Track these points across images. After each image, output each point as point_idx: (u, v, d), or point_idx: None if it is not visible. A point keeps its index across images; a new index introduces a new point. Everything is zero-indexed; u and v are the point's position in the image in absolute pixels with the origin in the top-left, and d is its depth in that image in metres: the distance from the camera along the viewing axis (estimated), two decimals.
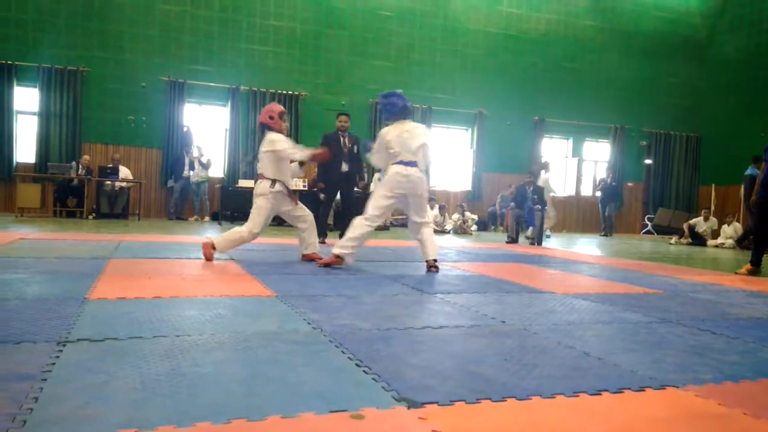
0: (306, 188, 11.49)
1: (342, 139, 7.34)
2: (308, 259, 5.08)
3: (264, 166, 4.90)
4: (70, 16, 11.44)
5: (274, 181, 4.86)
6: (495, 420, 1.52)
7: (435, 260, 4.68)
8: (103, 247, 5.46)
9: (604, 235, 13.17)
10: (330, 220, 10.44)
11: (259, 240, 6.94)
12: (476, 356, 2.12)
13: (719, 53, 15.76)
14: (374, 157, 4.88)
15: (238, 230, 4.83)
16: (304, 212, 5.13)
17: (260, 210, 4.84)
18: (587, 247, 9.42)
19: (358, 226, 4.62)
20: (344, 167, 7.28)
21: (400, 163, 4.58)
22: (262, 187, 4.86)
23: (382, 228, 11.58)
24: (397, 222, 13.03)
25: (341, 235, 7.43)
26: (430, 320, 2.77)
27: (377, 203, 4.65)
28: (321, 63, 13.09)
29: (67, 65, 11.40)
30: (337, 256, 4.58)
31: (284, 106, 12.59)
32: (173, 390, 1.61)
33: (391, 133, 4.66)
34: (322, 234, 7.34)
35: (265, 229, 5.02)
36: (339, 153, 7.17)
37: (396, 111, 4.71)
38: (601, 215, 13.62)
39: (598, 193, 13.86)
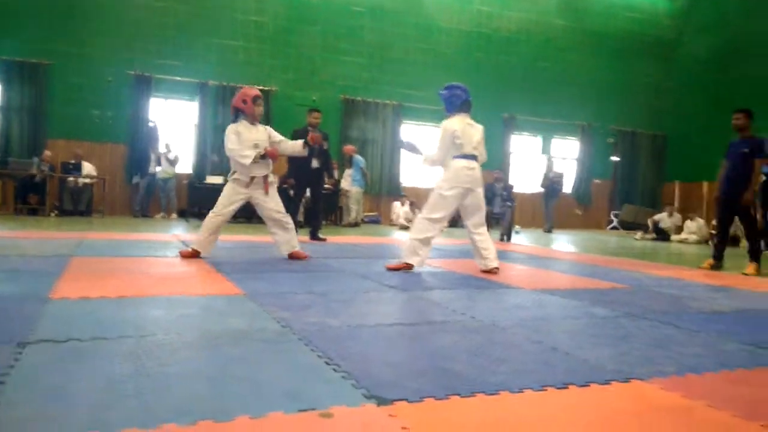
0: (276, 183, 11.40)
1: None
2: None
3: None
4: (33, 7, 11.10)
5: (234, 172, 4.84)
6: (464, 415, 1.53)
7: (498, 267, 4.61)
8: (65, 244, 5.32)
9: (548, 232, 12.72)
10: (300, 217, 10.38)
11: (228, 237, 6.87)
12: (446, 352, 2.13)
13: (686, 53, 16.11)
14: (436, 155, 4.59)
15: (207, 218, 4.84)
16: (279, 208, 4.94)
17: (222, 194, 4.85)
18: (556, 242, 9.55)
19: (424, 228, 4.49)
20: (314, 164, 7.23)
21: (465, 156, 4.50)
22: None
23: (353, 225, 11.57)
24: (367, 218, 13.02)
25: (311, 232, 7.46)
26: (401, 317, 2.77)
27: (443, 201, 4.47)
28: (292, 58, 12.97)
29: (30, 58, 11.07)
30: (407, 264, 4.47)
31: None
32: (138, 391, 1.57)
33: (457, 124, 4.52)
34: (314, 233, 7.32)
35: (231, 213, 4.84)
36: (309, 151, 7.07)
37: (459, 103, 4.59)
38: (544, 211, 13.15)
39: (542, 189, 13.27)
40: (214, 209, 4.81)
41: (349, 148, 11.58)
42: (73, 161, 10.75)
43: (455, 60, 14.23)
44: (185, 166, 12.32)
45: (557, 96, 15.34)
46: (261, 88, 12.47)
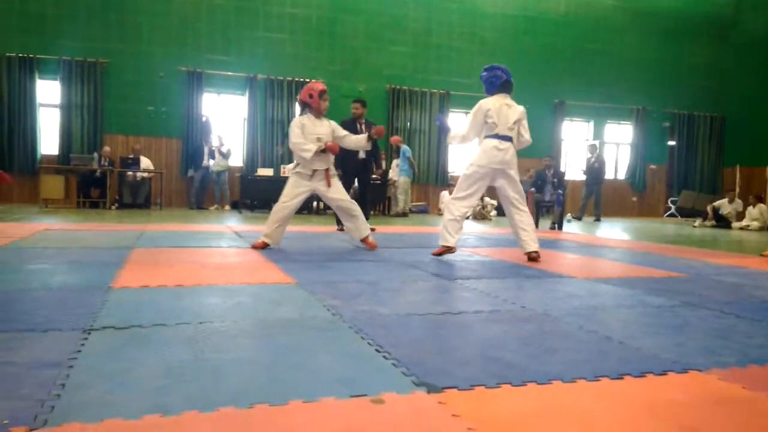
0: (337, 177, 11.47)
1: (358, 126, 7.32)
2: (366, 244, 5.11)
3: None
4: (89, 8, 11.54)
5: (297, 164, 4.98)
6: (515, 404, 1.52)
7: (536, 252, 4.51)
8: (126, 236, 5.54)
9: (597, 220, 12.11)
10: None
11: None
12: (496, 341, 2.12)
13: (744, 32, 15.36)
14: (465, 132, 4.57)
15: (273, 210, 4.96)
16: (342, 197, 5.02)
17: (286, 186, 4.97)
18: (609, 231, 9.32)
19: (454, 209, 4.49)
20: (361, 154, 7.27)
21: (496, 136, 4.43)
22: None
23: (401, 215, 11.58)
24: (415, 208, 13.01)
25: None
26: (450, 306, 2.77)
27: (467, 181, 4.48)
28: (337, 49, 13.04)
29: (87, 57, 11.51)
30: (447, 247, 4.49)
31: None
32: (196, 376, 1.63)
33: (492, 103, 4.46)
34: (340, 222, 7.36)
35: (296, 204, 4.94)
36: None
37: (499, 84, 4.53)
38: (584, 199, 12.51)
39: (584, 176, 12.65)
40: (279, 200, 4.94)
41: (395, 138, 11.56)
42: (131, 156, 11.16)
43: (501, 45, 13.99)
44: (237, 159, 12.60)
45: (608, 79, 14.89)
46: (308, 80, 12.61)
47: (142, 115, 12.03)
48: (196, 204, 11.77)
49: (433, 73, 13.63)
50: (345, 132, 5.12)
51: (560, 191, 9.39)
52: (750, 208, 11.64)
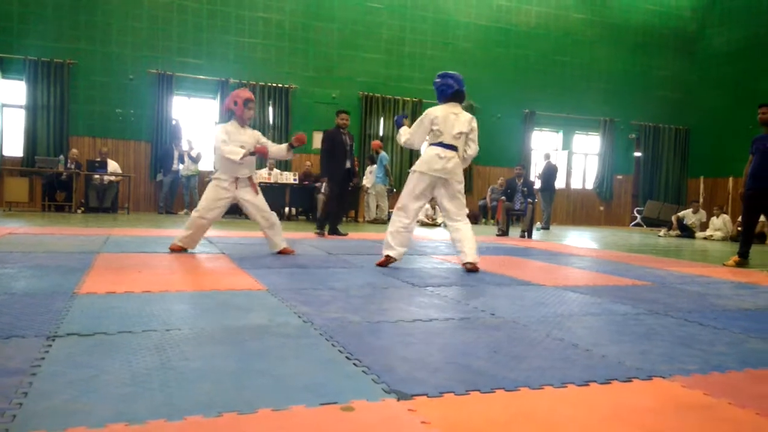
0: (296, 181, 11.47)
1: (343, 136, 7.50)
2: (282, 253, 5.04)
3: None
4: (57, 8, 11.31)
5: (215, 171, 4.94)
6: (484, 411, 1.53)
7: (474, 263, 4.38)
8: (92, 241, 5.42)
9: (545, 228, 11.92)
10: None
11: (248, 234, 6.94)
12: (466, 348, 2.14)
13: (709, 46, 15.85)
14: (407, 133, 4.54)
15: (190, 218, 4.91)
16: (264, 207, 4.95)
17: (204, 195, 4.89)
18: (577, 239, 9.47)
19: (393, 219, 4.51)
20: (347, 164, 7.50)
21: (440, 144, 4.39)
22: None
23: (376, 221, 11.58)
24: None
25: (332, 227, 7.52)
26: (420, 313, 2.78)
27: (408, 185, 4.45)
28: (310, 56, 13.03)
29: (54, 57, 11.28)
30: (388, 256, 4.46)
31: (274, 99, 12.60)
32: (163, 384, 1.60)
33: (440, 111, 4.44)
34: (334, 228, 7.47)
35: (216, 216, 4.87)
36: (341, 150, 7.46)
37: (450, 93, 4.49)
38: (545, 208, 12.22)
39: (537, 184, 12.18)
40: (198, 210, 4.83)
41: (376, 143, 11.66)
42: (98, 159, 10.94)
43: (473, 55, 14.17)
44: (207, 163, 12.46)
45: (578, 91, 15.20)
46: (280, 85, 12.59)
47: (110, 118, 11.82)
48: (165, 208, 11.60)
49: (406, 81, 13.72)
50: (268, 141, 5.10)
51: (530, 200, 9.52)
52: (713, 219, 11.97)
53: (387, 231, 4.54)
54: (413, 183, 4.44)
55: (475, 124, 4.55)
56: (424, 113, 4.53)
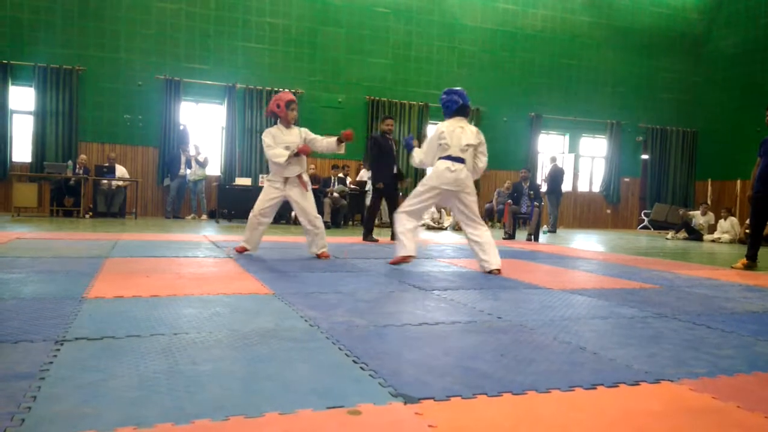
0: (348, 189, 11.42)
1: (389, 141, 7.62)
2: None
3: None
4: (66, 15, 11.41)
5: (269, 173, 5.12)
6: (491, 415, 1.53)
7: (498, 269, 4.47)
8: (100, 245, 5.46)
9: (552, 232, 11.97)
10: (326, 218, 10.46)
11: None
12: (472, 352, 2.13)
13: (715, 48, 15.79)
14: (420, 153, 4.72)
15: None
16: (311, 211, 5.08)
17: (259, 196, 5.14)
18: (584, 242, 9.44)
19: (403, 222, 4.59)
20: (394, 169, 7.67)
21: (449, 158, 4.52)
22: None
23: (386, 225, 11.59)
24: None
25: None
26: (427, 317, 2.78)
27: (417, 197, 4.59)
28: (317, 60, 13.07)
29: (63, 64, 11.37)
30: (404, 256, 4.57)
31: None
32: (171, 388, 1.61)
33: (446, 126, 4.60)
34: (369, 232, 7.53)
35: (270, 213, 5.11)
36: (389, 155, 7.64)
37: (455, 108, 4.65)
38: (552, 211, 12.27)
39: (544, 187, 12.32)
40: (254, 209, 5.08)
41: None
42: (106, 164, 11.01)
43: (479, 59, 14.18)
44: (214, 168, 12.52)
45: (584, 94, 15.17)
46: (287, 90, 12.62)
47: (118, 124, 11.90)
48: (173, 213, 11.65)
49: (413, 85, 13.74)
50: (315, 135, 5.18)
51: (536, 203, 9.50)
52: (721, 221, 11.90)
53: (397, 233, 4.63)
54: (425, 195, 4.58)
55: (482, 137, 4.70)
56: (432, 131, 4.70)
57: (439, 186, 4.52)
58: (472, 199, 4.60)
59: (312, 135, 5.14)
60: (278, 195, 5.03)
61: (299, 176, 5.01)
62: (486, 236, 4.58)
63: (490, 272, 4.48)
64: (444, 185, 4.50)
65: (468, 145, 4.55)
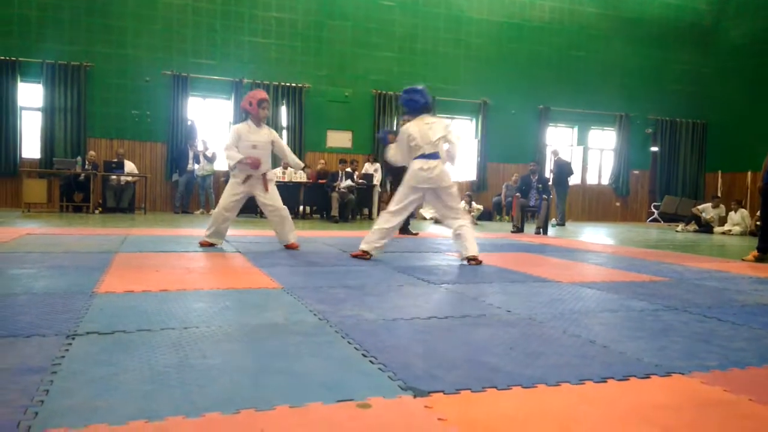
0: (308, 180, 11.46)
1: None
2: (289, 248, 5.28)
3: None
4: (73, 12, 11.44)
5: (234, 168, 5.17)
6: (500, 408, 1.53)
7: (476, 257, 4.58)
8: (110, 241, 5.49)
9: (560, 225, 11.83)
10: (335, 212, 10.48)
11: (264, 233, 6.98)
12: (482, 346, 2.13)
13: (725, 39, 15.62)
14: (394, 152, 4.89)
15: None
16: (274, 203, 5.20)
17: (224, 191, 5.23)
18: (594, 235, 9.40)
19: (384, 220, 4.71)
20: None
21: (422, 157, 4.61)
22: None
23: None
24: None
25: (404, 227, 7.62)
26: (436, 310, 2.78)
27: (400, 197, 4.71)
28: (323, 54, 13.05)
29: (71, 61, 11.40)
30: (364, 251, 4.66)
31: (288, 98, 12.64)
32: (182, 381, 1.62)
33: (413, 127, 4.70)
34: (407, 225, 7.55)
35: (235, 207, 5.21)
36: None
37: (417, 108, 4.76)
38: (559, 204, 12.09)
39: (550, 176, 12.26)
40: (218, 204, 5.22)
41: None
42: (115, 160, 11.06)
43: (486, 51, 14.10)
44: (222, 163, 12.53)
45: (593, 86, 15.06)
46: (294, 84, 12.63)
47: (126, 119, 11.93)
48: (181, 208, 11.70)
49: (419, 79, 13.65)
50: (283, 143, 5.38)
51: (545, 196, 9.46)
52: (731, 213, 11.81)
53: (375, 227, 4.74)
54: (407, 195, 4.69)
55: (451, 127, 4.81)
56: (400, 131, 4.84)
57: (416, 185, 4.63)
58: (450, 192, 4.68)
59: (281, 141, 5.32)
60: (241, 191, 5.11)
61: (263, 175, 5.11)
62: (466, 228, 4.68)
63: (467, 259, 4.58)
64: (421, 184, 4.62)
65: (439, 139, 4.64)
